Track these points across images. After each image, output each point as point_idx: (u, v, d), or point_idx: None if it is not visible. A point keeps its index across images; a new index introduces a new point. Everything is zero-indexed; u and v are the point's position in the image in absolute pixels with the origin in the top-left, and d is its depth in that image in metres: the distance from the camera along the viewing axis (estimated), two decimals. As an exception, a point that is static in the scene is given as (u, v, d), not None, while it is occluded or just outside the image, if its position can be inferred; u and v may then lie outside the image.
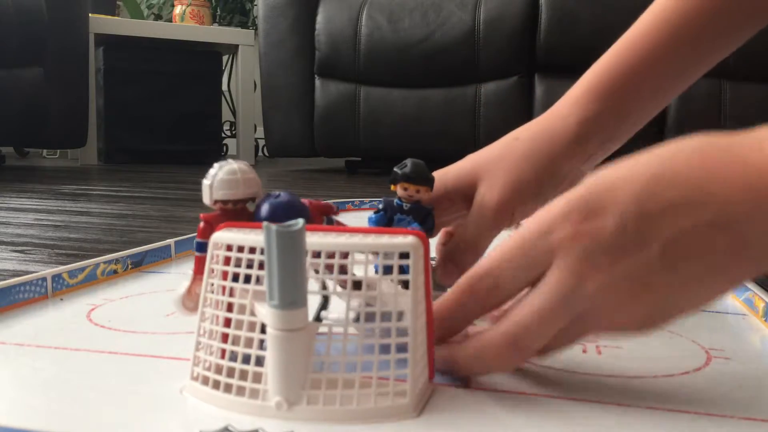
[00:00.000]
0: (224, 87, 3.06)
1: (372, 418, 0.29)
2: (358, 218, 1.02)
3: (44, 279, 0.50)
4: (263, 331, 0.30)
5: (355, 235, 0.32)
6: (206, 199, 0.37)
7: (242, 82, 2.91)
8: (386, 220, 0.45)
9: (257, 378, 0.30)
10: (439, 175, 0.49)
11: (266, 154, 2.88)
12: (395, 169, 0.44)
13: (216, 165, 0.37)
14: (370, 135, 2.21)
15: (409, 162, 0.44)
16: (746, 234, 0.29)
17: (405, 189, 0.44)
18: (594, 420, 0.30)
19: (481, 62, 2.07)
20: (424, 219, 0.45)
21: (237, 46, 2.86)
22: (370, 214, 0.46)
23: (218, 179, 0.36)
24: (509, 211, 0.47)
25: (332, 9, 2.22)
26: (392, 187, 0.45)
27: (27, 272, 0.55)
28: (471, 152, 0.59)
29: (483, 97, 2.09)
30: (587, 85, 0.50)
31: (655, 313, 0.31)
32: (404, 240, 0.31)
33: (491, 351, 0.32)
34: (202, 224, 0.36)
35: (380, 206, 0.46)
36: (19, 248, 0.80)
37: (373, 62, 2.17)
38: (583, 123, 0.48)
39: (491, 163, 0.48)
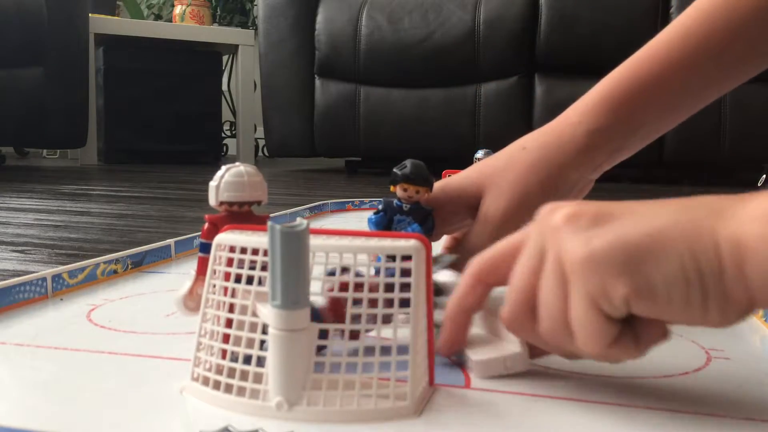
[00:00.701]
0: (224, 87, 3.06)
1: (372, 419, 0.29)
2: (359, 218, 1.02)
3: (44, 279, 0.50)
4: (264, 332, 0.30)
5: (358, 238, 0.32)
6: (212, 201, 0.37)
7: (242, 82, 2.91)
8: (386, 221, 0.45)
9: (258, 378, 0.30)
10: (441, 183, 0.49)
11: (266, 154, 2.88)
12: (395, 170, 0.44)
13: (223, 167, 0.37)
14: (370, 135, 2.21)
15: (408, 163, 0.44)
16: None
17: (405, 190, 0.44)
18: (594, 420, 0.30)
19: (481, 62, 2.07)
20: (423, 220, 0.45)
21: (237, 46, 2.86)
22: (369, 214, 0.46)
23: (224, 181, 0.36)
24: (514, 225, 0.47)
25: (332, 9, 2.22)
26: (392, 188, 0.45)
27: (27, 272, 0.55)
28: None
29: (483, 97, 2.09)
30: (600, 95, 0.49)
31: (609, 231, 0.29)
32: (407, 243, 0.31)
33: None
34: (206, 225, 0.36)
35: (380, 207, 0.46)
36: (19, 248, 0.80)
37: (373, 62, 2.17)
38: (592, 133, 0.48)
39: (496, 175, 0.48)
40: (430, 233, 0.45)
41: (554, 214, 0.31)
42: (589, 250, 0.29)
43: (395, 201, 0.45)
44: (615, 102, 0.48)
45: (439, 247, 0.53)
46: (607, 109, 0.48)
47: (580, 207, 0.30)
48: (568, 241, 0.29)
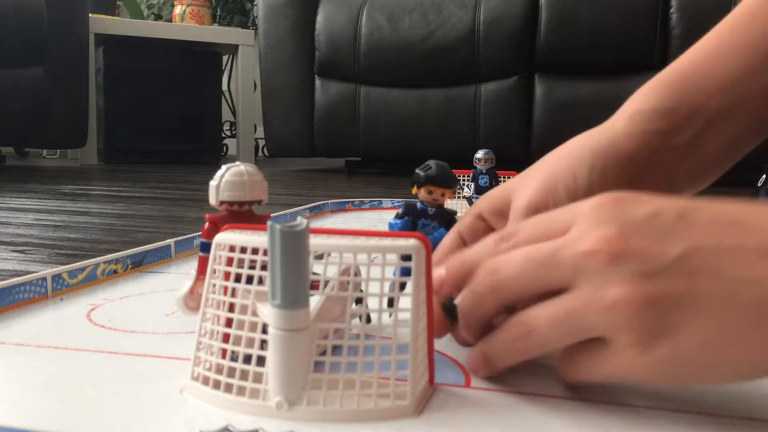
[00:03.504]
0: (224, 87, 3.06)
1: (372, 418, 0.29)
2: (359, 218, 1.02)
3: (44, 279, 0.50)
4: (264, 331, 0.30)
5: (358, 238, 0.32)
6: (212, 200, 0.37)
7: (242, 82, 2.91)
8: (411, 227, 0.42)
9: (258, 378, 0.30)
10: (475, 211, 0.46)
11: (266, 154, 2.88)
12: (418, 171, 0.42)
13: (224, 166, 0.37)
14: (370, 135, 2.21)
15: (432, 164, 0.41)
16: None
17: (429, 192, 0.41)
18: (594, 420, 0.30)
19: (481, 62, 2.07)
20: (449, 224, 0.42)
21: (237, 46, 2.86)
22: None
23: (225, 180, 0.36)
24: (540, 209, 0.40)
25: (332, 9, 2.22)
26: (414, 190, 0.42)
27: (27, 272, 0.55)
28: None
29: (483, 97, 2.09)
30: (652, 82, 0.44)
31: (656, 321, 0.27)
32: (407, 243, 0.31)
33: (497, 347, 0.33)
34: (207, 225, 0.36)
35: (401, 210, 0.43)
36: (19, 248, 0.80)
37: (373, 62, 2.17)
38: (638, 113, 0.42)
39: (524, 176, 0.43)
40: None
41: (593, 233, 0.28)
42: (646, 362, 0.28)
43: (418, 204, 0.42)
44: (665, 83, 0.43)
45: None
46: (658, 89, 0.43)
47: (631, 241, 0.28)
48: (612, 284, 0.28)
